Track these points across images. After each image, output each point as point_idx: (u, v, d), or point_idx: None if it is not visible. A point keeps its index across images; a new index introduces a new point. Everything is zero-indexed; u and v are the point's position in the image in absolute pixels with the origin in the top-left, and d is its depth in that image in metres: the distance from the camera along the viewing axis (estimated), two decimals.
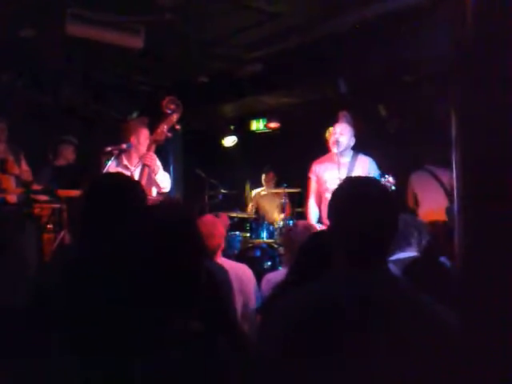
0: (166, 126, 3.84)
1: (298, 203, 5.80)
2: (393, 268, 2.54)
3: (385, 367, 1.34)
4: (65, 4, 3.98)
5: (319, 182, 4.37)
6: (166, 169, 4.29)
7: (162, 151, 5.43)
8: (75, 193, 4.21)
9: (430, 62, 4.61)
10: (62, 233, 4.12)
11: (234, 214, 5.78)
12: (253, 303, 3.07)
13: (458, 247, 1.38)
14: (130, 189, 1.70)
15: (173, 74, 5.20)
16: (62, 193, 4.30)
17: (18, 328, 1.55)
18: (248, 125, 6.65)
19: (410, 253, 2.65)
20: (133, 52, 4.38)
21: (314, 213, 4.41)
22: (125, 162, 4.10)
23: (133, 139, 4.06)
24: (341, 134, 4.17)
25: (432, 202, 4.72)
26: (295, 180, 5.40)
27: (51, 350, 1.38)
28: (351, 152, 4.29)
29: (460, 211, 1.43)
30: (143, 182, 3.68)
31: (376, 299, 1.41)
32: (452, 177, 1.45)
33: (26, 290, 1.79)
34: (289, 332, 1.41)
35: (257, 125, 6.65)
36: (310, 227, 3.38)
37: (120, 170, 4.00)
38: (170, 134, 3.88)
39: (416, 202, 4.90)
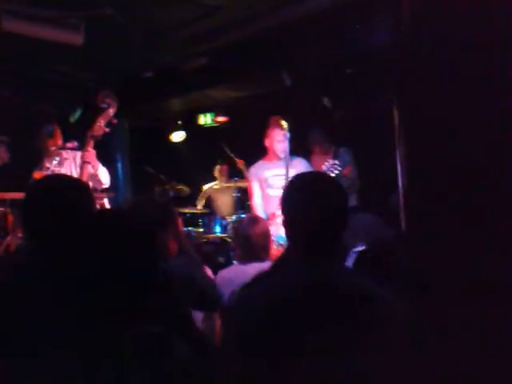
0: (102, 121, 3.81)
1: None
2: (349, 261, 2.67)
3: (341, 351, 1.37)
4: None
5: (260, 181, 4.59)
6: (112, 166, 4.27)
7: (109, 148, 5.37)
8: (18, 195, 4.13)
9: (371, 54, 4.72)
10: (8, 238, 4.00)
11: (185, 210, 5.76)
12: None
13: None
14: (72, 190, 1.65)
15: (117, 69, 5.11)
16: (3, 195, 4.17)
17: None
18: (196, 119, 6.62)
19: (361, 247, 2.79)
20: (74, 48, 4.28)
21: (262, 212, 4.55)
22: (47, 164, 4.13)
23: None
24: (285, 141, 4.40)
25: None
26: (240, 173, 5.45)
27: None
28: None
29: (405, 203, 1.49)
30: (84, 179, 3.64)
31: (328, 287, 1.45)
32: None
33: None
34: (248, 324, 1.44)
35: (205, 119, 6.62)
36: (255, 219, 3.44)
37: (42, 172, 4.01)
38: (107, 129, 3.84)
39: None
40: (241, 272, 2.93)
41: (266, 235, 3.24)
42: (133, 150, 6.34)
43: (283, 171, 4.36)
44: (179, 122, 6.56)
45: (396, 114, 1.47)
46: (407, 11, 1.55)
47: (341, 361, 1.37)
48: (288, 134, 4.39)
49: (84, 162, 3.84)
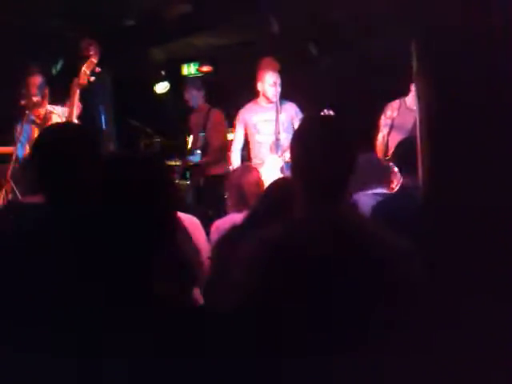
0: (87, 70, 3.75)
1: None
2: (365, 200, 2.71)
3: (353, 299, 1.38)
4: None
5: (247, 126, 4.50)
6: (96, 118, 4.20)
7: (92, 99, 5.24)
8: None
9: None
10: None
11: (173, 163, 5.71)
12: (204, 253, 3.08)
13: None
14: (80, 139, 1.62)
15: (97, 17, 4.95)
16: None
17: None
18: (179, 69, 6.48)
19: (381, 190, 2.92)
20: None
21: (236, 157, 4.62)
22: (31, 117, 4.04)
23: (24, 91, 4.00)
24: (278, 84, 4.29)
25: None
26: (231, 123, 5.37)
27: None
28: None
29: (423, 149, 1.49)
30: None
31: (341, 233, 1.44)
32: None
33: None
34: (265, 268, 1.44)
35: (188, 69, 6.49)
36: (247, 168, 3.43)
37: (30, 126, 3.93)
38: (92, 78, 3.78)
39: None
40: (237, 221, 2.94)
41: (259, 183, 3.24)
42: (117, 102, 6.22)
43: (273, 116, 4.25)
44: (163, 73, 6.42)
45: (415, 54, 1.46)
46: None
47: (349, 304, 1.38)
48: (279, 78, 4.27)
49: (72, 109, 3.74)
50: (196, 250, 2.54)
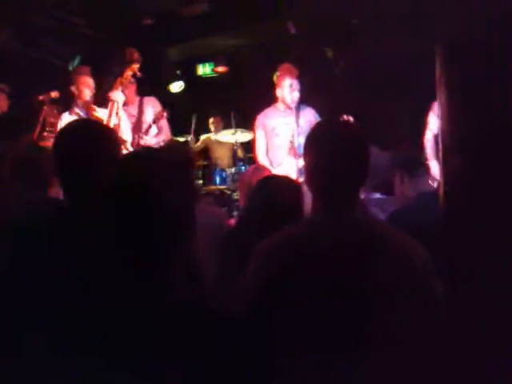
0: (130, 72, 4.11)
1: (248, 149, 5.79)
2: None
3: (367, 306, 1.39)
4: None
5: (266, 130, 4.46)
6: None
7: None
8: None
9: (377, 3, 4.62)
10: None
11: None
12: None
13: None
14: (102, 135, 1.62)
15: (115, 16, 4.97)
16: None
17: None
18: (195, 69, 6.49)
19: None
20: None
21: (267, 163, 4.44)
22: (76, 109, 4.11)
23: (73, 88, 4.10)
24: (296, 90, 4.29)
25: None
26: (245, 124, 5.38)
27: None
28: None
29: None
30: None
31: (353, 241, 1.44)
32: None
33: None
34: (274, 274, 1.44)
35: (203, 69, 6.50)
36: (259, 168, 3.43)
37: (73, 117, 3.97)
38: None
39: None
40: None
41: None
42: None
43: (292, 120, 4.25)
44: (178, 72, 6.44)
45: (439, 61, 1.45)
46: None
47: (370, 308, 1.39)
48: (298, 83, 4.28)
49: (112, 105, 3.95)
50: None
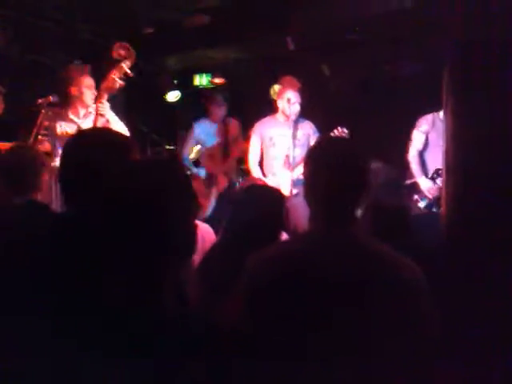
0: (117, 74, 3.63)
1: (241, 161, 5.80)
2: None
3: (359, 323, 1.39)
4: None
5: (262, 139, 4.51)
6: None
7: None
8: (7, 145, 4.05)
9: (376, 21, 4.68)
10: None
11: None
12: None
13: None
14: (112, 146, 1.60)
15: (116, 23, 4.98)
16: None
17: None
18: (192, 80, 6.51)
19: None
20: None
21: (256, 170, 4.55)
22: (70, 115, 3.94)
23: (74, 90, 3.90)
24: (297, 103, 4.37)
25: None
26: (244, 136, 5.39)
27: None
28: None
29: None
30: None
31: (348, 257, 1.45)
32: None
33: None
34: (266, 288, 1.44)
35: (200, 80, 6.52)
36: (255, 181, 3.43)
37: (65, 124, 3.89)
38: (122, 83, 3.68)
39: None
40: None
41: None
42: (127, 109, 6.22)
43: (290, 132, 4.30)
44: (175, 82, 6.45)
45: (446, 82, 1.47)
46: None
47: (357, 327, 1.39)
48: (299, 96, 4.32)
49: (97, 115, 3.67)
50: None
